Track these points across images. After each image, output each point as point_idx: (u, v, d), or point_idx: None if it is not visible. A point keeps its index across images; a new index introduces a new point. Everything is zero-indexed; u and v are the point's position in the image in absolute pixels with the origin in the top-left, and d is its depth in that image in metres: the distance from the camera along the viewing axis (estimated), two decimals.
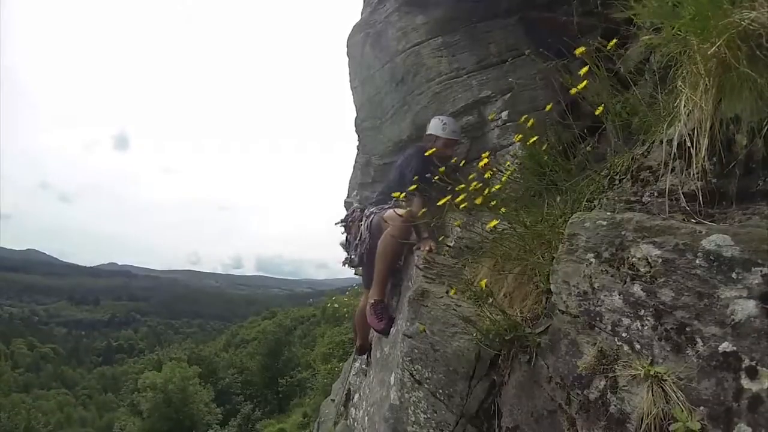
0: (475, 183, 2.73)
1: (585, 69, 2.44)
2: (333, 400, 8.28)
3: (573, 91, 2.36)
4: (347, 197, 7.49)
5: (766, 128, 1.33)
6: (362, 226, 4.00)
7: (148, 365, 36.05)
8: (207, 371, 34.58)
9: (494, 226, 2.68)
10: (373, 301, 3.72)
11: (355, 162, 6.96)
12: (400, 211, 3.60)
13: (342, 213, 4.56)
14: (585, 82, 2.37)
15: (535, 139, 2.70)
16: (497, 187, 2.67)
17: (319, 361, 20.16)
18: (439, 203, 2.94)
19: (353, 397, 5.51)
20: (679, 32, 1.63)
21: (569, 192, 2.52)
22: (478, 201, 2.64)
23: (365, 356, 4.80)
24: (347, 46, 6.11)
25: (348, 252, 4.26)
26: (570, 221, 1.91)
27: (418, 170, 3.74)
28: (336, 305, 16.02)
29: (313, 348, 27.95)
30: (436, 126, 4.25)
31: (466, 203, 2.80)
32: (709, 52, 1.44)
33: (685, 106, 1.56)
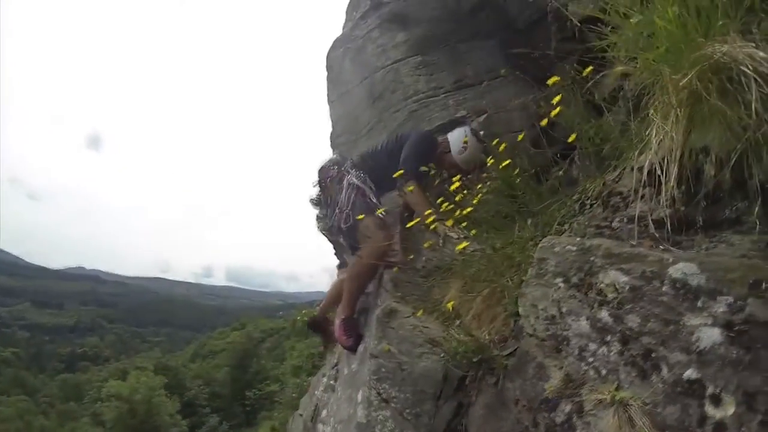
0: (445, 204, 2.73)
1: (558, 98, 2.46)
2: (301, 415, 8.13)
3: (543, 122, 2.38)
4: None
5: (734, 160, 1.35)
6: (342, 196, 3.66)
7: (113, 374, 35.12)
8: (173, 382, 33.86)
9: (464, 248, 2.68)
10: (342, 318, 3.64)
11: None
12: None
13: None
14: (558, 109, 2.40)
15: (507, 163, 2.72)
16: (466, 211, 2.67)
17: (289, 374, 19.86)
18: (409, 225, 2.92)
19: (321, 413, 5.43)
20: (652, 63, 1.65)
21: (540, 215, 2.53)
22: (449, 223, 2.63)
23: (334, 369, 4.65)
24: (327, 59, 6.13)
25: (321, 214, 4.02)
26: (540, 245, 1.91)
27: (415, 166, 3.54)
28: (306, 319, 15.81)
29: (283, 361, 27.64)
30: (456, 143, 3.75)
31: (435, 225, 2.81)
32: (680, 84, 1.45)
33: (656, 134, 1.58)
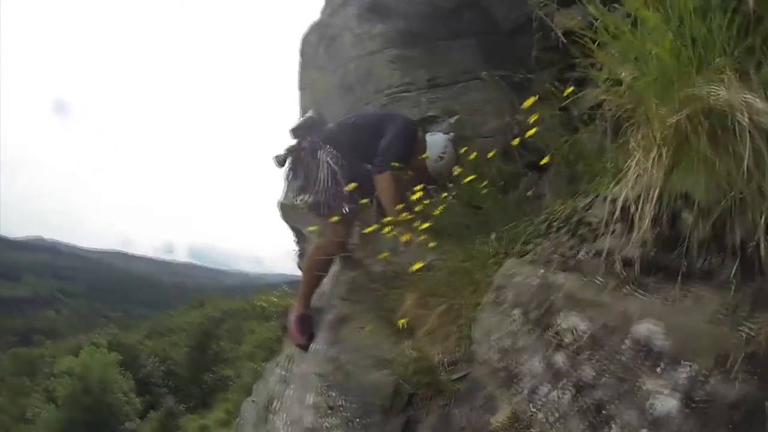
0: (405, 214, 2.60)
1: (535, 116, 2.34)
2: (254, 402, 8.00)
3: (515, 142, 2.25)
4: (282, 197, 7.23)
5: (716, 213, 1.23)
6: (321, 174, 3.42)
7: (68, 350, 34.12)
8: (129, 359, 33.12)
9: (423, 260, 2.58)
10: (296, 314, 3.52)
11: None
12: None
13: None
14: (534, 130, 2.29)
15: (472, 177, 2.59)
16: (425, 226, 2.55)
17: (245, 359, 19.68)
18: (367, 231, 2.78)
19: (274, 403, 5.32)
20: (638, 90, 1.53)
21: (505, 231, 2.42)
22: (405, 238, 2.51)
23: (287, 361, 4.42)
24: (301, 44, 5.90)
25: (297, 184, 3.69)
26: (500, 272, 1.79)
27: (397, 154, 3.33)
28: (264, 305, 15.64)
29: (241, 343, 27.37)
30: (435, 150, 3.48)
31: (394, 232, 2.69)
32: (668, 121, 1.34)
33: (635, 168, 1.46)
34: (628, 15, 1.76)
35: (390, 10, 4.91)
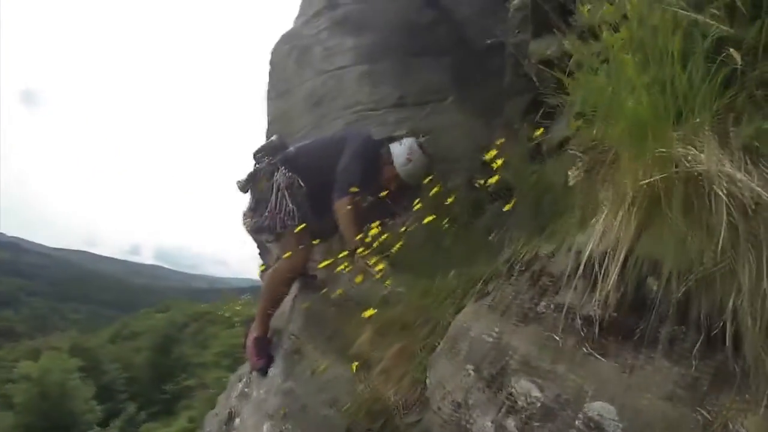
0: (361, 249, 2.51)
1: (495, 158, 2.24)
2: (216, 415, 7.80)
3: (484, 182, 2.16)
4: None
5: (683, 286, 1.14)
6: (272, 197, 3.31)
7: (26, 354, 32.94)
8: (90, 364, 32.12)
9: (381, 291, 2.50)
10: (255, 336, 3.39)
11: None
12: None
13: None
14: (500, 162, 2.20)
15: (432, 218, 2.49)
16: (380, 266, 2.45)
17: (210, 364, 19.26)
18: (321, 266, 2.67)
19: (234, 421, 5.21)
20: (611, 137, 1.46)
21: (466, 266, 2.32)
22: (358, 280, 2.41)
23: (250, 374, 4.22)
24: (272, 54, 5.75)
25: (250, 206, 3.56)
26: (456, 322, 1.69)
27: (356, 177, 3.27)
28: (227, 314, 15.31)
29: (205, 348, 26.84)
30: (401, 155, 3.44)
31: (350, 267, 2.60)
32: (640, 181, 1.25)
33: (602, 222, 1.38)
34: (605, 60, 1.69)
35: (362, 23, 4.82)
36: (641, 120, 1.38)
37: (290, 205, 3.30)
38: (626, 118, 1.43)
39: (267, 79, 5.84)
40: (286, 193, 3.32)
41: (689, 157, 1.19)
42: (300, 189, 3.36)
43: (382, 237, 2.66)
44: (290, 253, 3.23)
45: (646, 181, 1.27)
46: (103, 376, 33.03)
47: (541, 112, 2.77)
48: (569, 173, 1.87)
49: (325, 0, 5.30)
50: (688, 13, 1.30)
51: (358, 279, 2.67)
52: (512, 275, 1.79)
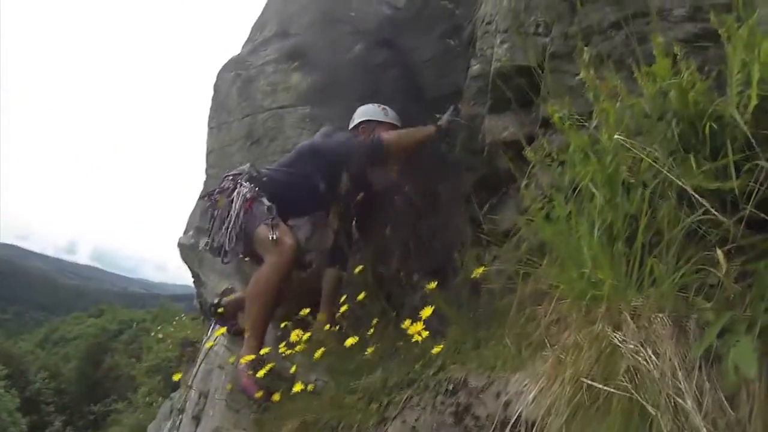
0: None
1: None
2: None
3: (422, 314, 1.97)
4: (183, 235, 6.68)
5: None
6: (231, 211, 3.07)
7: None
8: (15, 372, 30.24)
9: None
10: (248, 363, 2.78)
11: (198, 199, 6.26)
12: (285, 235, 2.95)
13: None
14: (429, 310, 2.00)
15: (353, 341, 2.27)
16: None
17: (143, 375, 18.41)
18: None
19: None
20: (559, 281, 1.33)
21: (394, 368, 2.10)
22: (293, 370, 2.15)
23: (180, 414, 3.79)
24: (216, 79, 5.45)
25: (210, 233, 3.27)
26: None
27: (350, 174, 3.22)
28: (160, 335, 14.63)
29: (139, 358, 25.78)
30: (374, 111, 3.58)
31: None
32: (583, 353, 1.07)
33: (539, 379, 1.20)
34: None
35: (310, 59, 4.58)
36: (598, 268, 1.27)
37: (255, 211, 3.05)
38: (578, 264, 1.31)
39: (210, 104, 5.54)
40: (258, 199, 3.09)
41: (639, 355, 1.04)
42: (264, 206, 3.09)
43: (305, 336, 2.44)
44: (271, 254, 2.94)
45: (586, 358, 1.09)
46: (29, 387, 31.26)
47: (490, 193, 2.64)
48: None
49: (276, 26, 5.06)
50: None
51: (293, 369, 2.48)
52: (438, 391, 1.63)
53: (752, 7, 1.66)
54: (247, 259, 3.34)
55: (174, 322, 15.59)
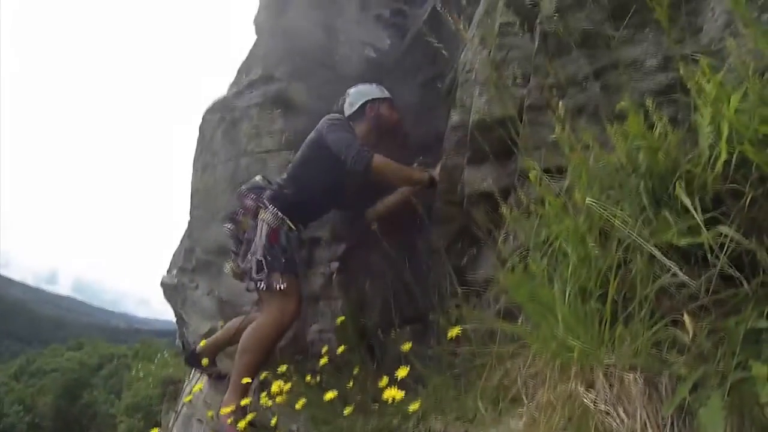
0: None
1: None
2: None
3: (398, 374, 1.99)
4: (166, 273, 6.63)
5: None
6: (256, 237, 3.06)
7: None
8: None
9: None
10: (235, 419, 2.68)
11: (182, 239, 6.22)
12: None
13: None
14: (405, 370, 2.02)
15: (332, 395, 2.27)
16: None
17: (122, 413, 18.00)
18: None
19: None
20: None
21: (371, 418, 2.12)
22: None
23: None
24: (202, 120, 5.48)
25: (237, 256, 3.25)
26: None
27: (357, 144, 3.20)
28: (141, 374, 14.38)
29: (119, 394, 25.15)
30: (371, 90, 3.58)
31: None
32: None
33: None
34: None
35: (295, 105, 4.62)
36: (570, 329, 1.30)
37: (278, 249, 3.04)
38: (552, 325, 1.36)
39: (195, 145, 5.56)
40: (282, 233, 3.09)
41: (610, 416, 1.05)
42: (291, 233, 3.13)
43: (286, 387, 2.43)
44: (275, 307, 2.94)
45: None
46: (2, 418, 30.34)
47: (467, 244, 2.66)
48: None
49: (261, 70, 5.12)
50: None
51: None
52: None
53: (721, 57, 1.73)
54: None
55: (156, 360, 15.33)
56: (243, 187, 3.42)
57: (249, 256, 3.06)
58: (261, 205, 3.16)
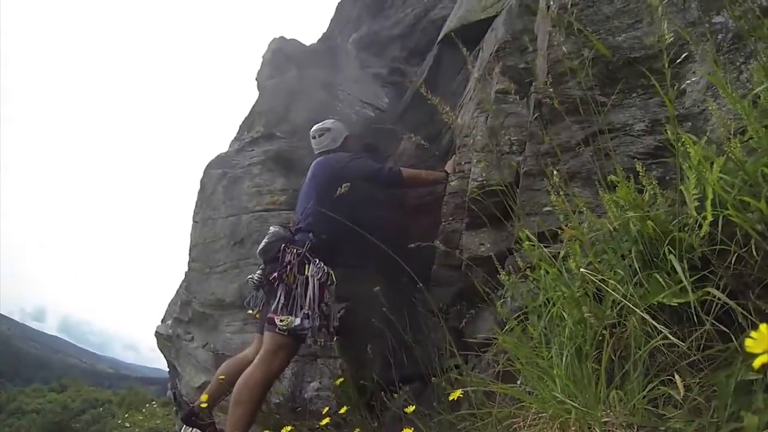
0: None
1: None
2: None
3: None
4: (161, 323, 6.63)
5: None
6: (309, 292, 3.07)
7: None
8: None
9: None
10: None
11: (179, 290, 6.25)
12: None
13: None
14: (411, 409, 2.08)
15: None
16: None
17: None
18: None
19: None
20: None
21: None
22: None
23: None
24: (203, 174, 5.61)
25: (285, 310, 3.10)
26: None
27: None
28: (127, 424, 13.92)
29: None
30: (342, 125, 3.95)
31: None
32: None
33: None
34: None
35: (294, 164, 4.76)
36: (568, 390, 1.35)
37: (323, 306, 3.22)
38: (550, 386, 1.40)
39: (196, 198, 5.66)
40: (325, 292, 3.26)
41: None
42: (332, 286, 3.30)
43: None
44: (271, 354, 3.01)
45: None
46: None
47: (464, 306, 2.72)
48: None
49: (262, 128, 5.26)
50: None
51: None
52: None
53: (704, 118, 1.83)
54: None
55: (144, 409, 14.91)
56: (268, 239, 3.33)
57: (307, 311, 3.08)
58: (305, 260, 3.18)
